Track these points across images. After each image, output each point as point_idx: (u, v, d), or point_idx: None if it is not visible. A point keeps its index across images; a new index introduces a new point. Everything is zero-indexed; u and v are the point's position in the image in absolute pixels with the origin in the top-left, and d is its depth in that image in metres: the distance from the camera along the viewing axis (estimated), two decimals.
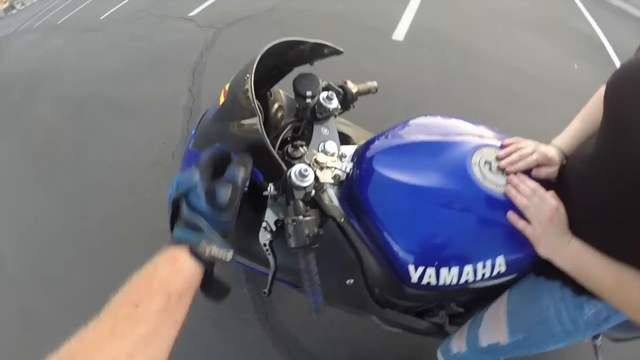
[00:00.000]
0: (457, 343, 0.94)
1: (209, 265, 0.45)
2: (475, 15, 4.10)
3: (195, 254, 0.43)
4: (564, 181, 0.71)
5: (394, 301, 0.84)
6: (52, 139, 2.72)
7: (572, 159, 0.73)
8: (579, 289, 0.65)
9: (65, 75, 3.62)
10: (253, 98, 0.65)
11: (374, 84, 1.01)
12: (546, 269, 0.68)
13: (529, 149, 0.73)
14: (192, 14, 4.28)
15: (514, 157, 0.73)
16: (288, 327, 1.45)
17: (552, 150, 0.74)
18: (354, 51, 3.22)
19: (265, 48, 0.73)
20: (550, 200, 0.65)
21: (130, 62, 3.52)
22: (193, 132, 0.99)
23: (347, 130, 1.00)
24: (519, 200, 0.66)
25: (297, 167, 0.68)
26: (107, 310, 0.36)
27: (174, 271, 0.41)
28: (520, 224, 0.66)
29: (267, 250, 0.76)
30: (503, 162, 0.72)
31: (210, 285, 0.46)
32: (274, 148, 0.80)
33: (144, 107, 2.83)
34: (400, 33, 3.48)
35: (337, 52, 0.86)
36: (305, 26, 3.74)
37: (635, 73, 0.57)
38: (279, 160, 0.66)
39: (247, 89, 0.66)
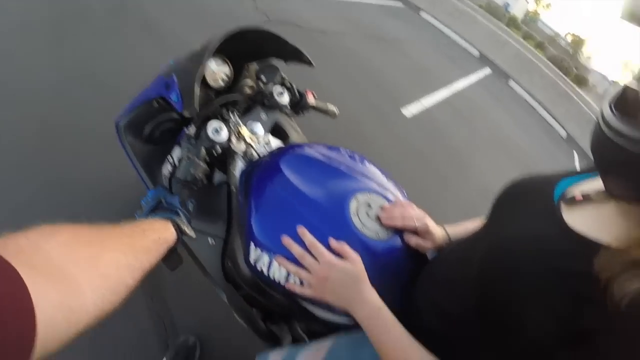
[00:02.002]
0: (275, 357, 0.97)
1: (178, 238, 0.65)
2: (481, 134, 4.46)
3: (176, 226, 0.66)
4: (434, 263, 0.73)
5: (237, 281, 0.89)
6: None
7: (451, 246, 0.74)
8: None
9: None
10: (208, 55, 0.79)
11: (335, 109, 1.12)
12: None
13: (415, 214, 0.76)
14: None
15: (396, 213, 0.75)
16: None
17: (438, 229, 0.76)
18: (362, 101, 3.45)
19: (247, 26, 0.85)
20: (326, 257, 0.67)
21: None
22: (170, 61, 1.07)
23: (291, 131, 1.10)
24: (295, 250, 0.70)
25: (216, 123, 0.78)
26: (124, 225, 0.53)
27: (165, 228, 0.63)
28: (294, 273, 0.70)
29: (165, 179, 0.88)
30: (383, 213, 0.76)
31: (170, 255, 0.64)
32: (213, 100, 0.90)
33: None
34: (410, 111, 3.76)
35: (310, 64, 0.97)
36: (336, 57, 3.95)
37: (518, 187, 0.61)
38: (196, 98, 0.76)
39: (211, 46, 0.78)
